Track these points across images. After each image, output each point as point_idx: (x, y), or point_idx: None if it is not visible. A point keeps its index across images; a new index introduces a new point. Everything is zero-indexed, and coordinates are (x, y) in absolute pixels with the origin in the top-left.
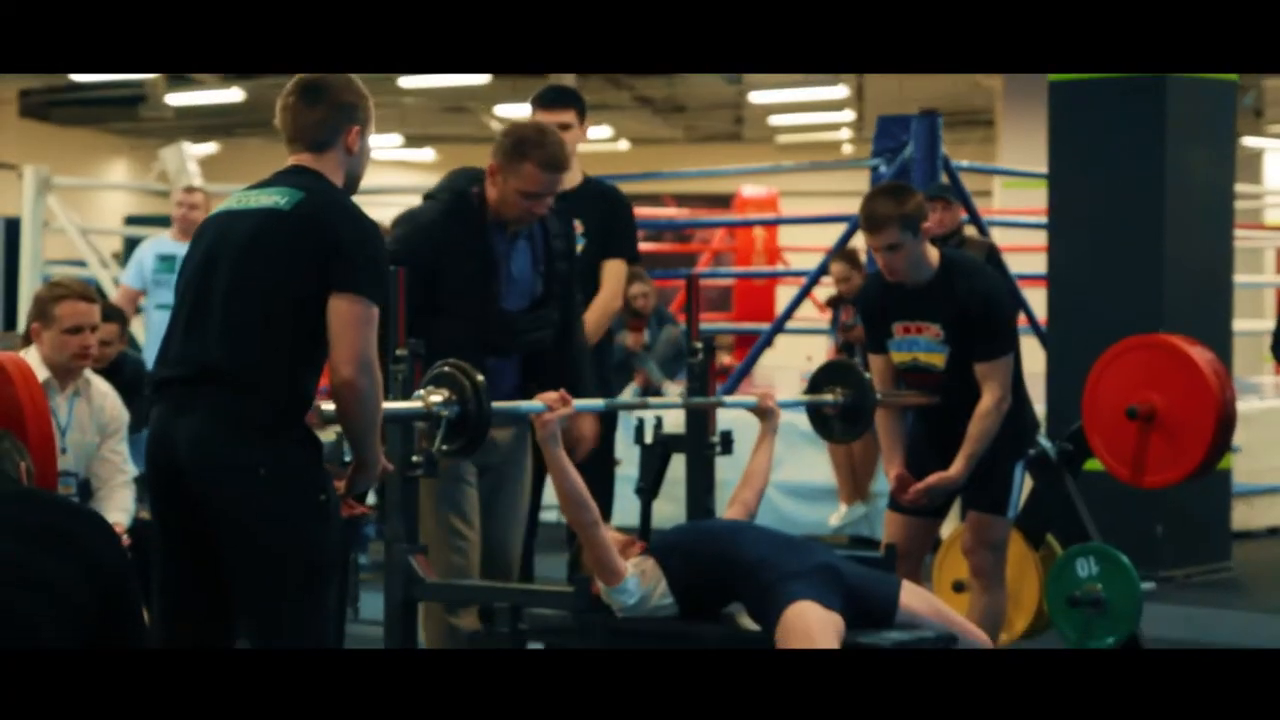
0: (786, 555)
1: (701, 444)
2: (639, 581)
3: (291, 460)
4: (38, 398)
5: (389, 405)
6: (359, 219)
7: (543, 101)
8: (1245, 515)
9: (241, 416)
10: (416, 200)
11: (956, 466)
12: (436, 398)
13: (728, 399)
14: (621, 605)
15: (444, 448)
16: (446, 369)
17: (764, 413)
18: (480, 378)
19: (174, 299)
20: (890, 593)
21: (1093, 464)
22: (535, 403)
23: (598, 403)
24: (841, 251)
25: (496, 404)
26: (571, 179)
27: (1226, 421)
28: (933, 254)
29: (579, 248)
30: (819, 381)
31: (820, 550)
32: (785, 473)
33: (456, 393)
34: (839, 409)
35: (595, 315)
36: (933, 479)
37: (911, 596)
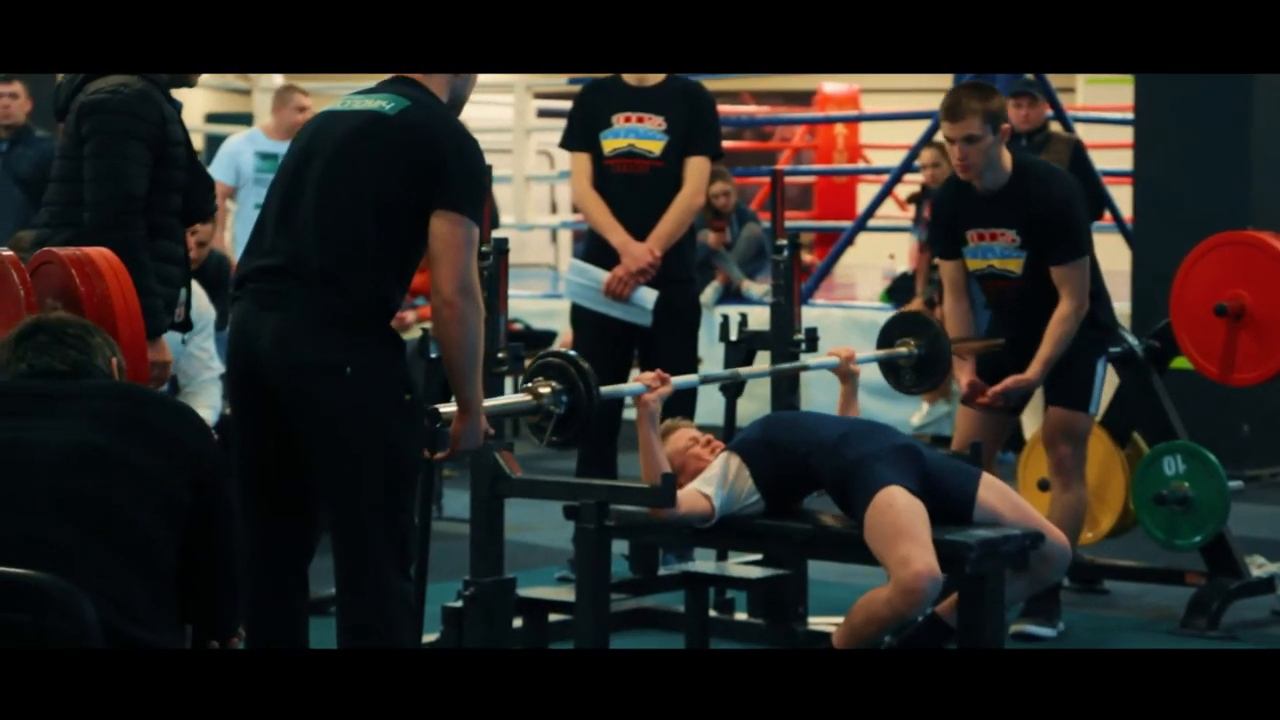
0: (868, 435)
1: (786, 341)
2: (726, 495)
3: (376, 358)
4: (128, 293)
5: (498, 401)
6: (463, 136)
7: None
8: None
9: (326, 313)
10: (494, 95)
11: (1033, 369)
12: (545, 390)
13: (811, 362)
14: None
15: (554, 439)
16: (554, 359)
17: (845, 375)
18: (587, 366)
19: (266, 195)
20: (970, 486)
21: (1179, 362)
22: (635, 384)
23: (693, 379)
24: (931, 140)
25: (602, 388)
26: (655, 75)
27: None
28: (1007, 159)
29: (661, 145)
30: (891, 333)
31: (900, 433)
32: (867, 371)
33: (565, 384)
34: (913, 360)
35: (677, 212)
36: (1009, 382)
37: (990, 492)
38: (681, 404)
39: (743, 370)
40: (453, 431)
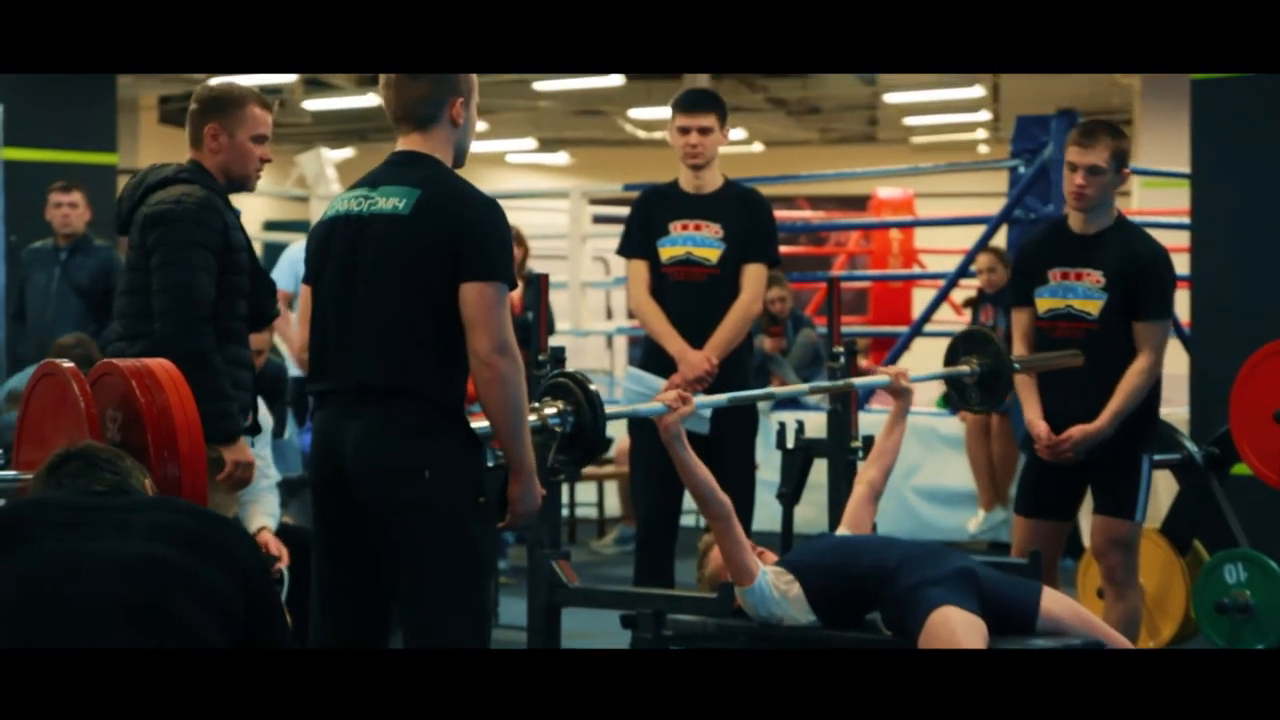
0: (925, 561)
1: (843, 448)
2: (771, 584)
3: (453, 460)
4: (188, 405)
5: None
6: (478, 204)
7: (683, 105)
8: None
9: (403, 420)
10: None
11: (1103, 419)
12: (550, 410)
13: (858, 381)
14: (755, 609)
15: (560, 459)
16: (561, 379)
17: (897, 391)
18: (594, 387)
19: (314, 309)
20: (1031, 599)
21: (1239, 468)
22: (655, 404)
23: (720, 399)
24: (987, 245)
25: (611, 408)
26: (712, 182)
27: None
28: (1115, 209)
29: (718, 252)
30: (955, 351)
31: (958, 556)
32: (923, 477)
33: (571, 404)
34: (977, 378)
35: (734, 320)
36: (1076, 431)
37: (1054, 603)
38: (740, 511)
39: (776, 390)
40: (510, 496)
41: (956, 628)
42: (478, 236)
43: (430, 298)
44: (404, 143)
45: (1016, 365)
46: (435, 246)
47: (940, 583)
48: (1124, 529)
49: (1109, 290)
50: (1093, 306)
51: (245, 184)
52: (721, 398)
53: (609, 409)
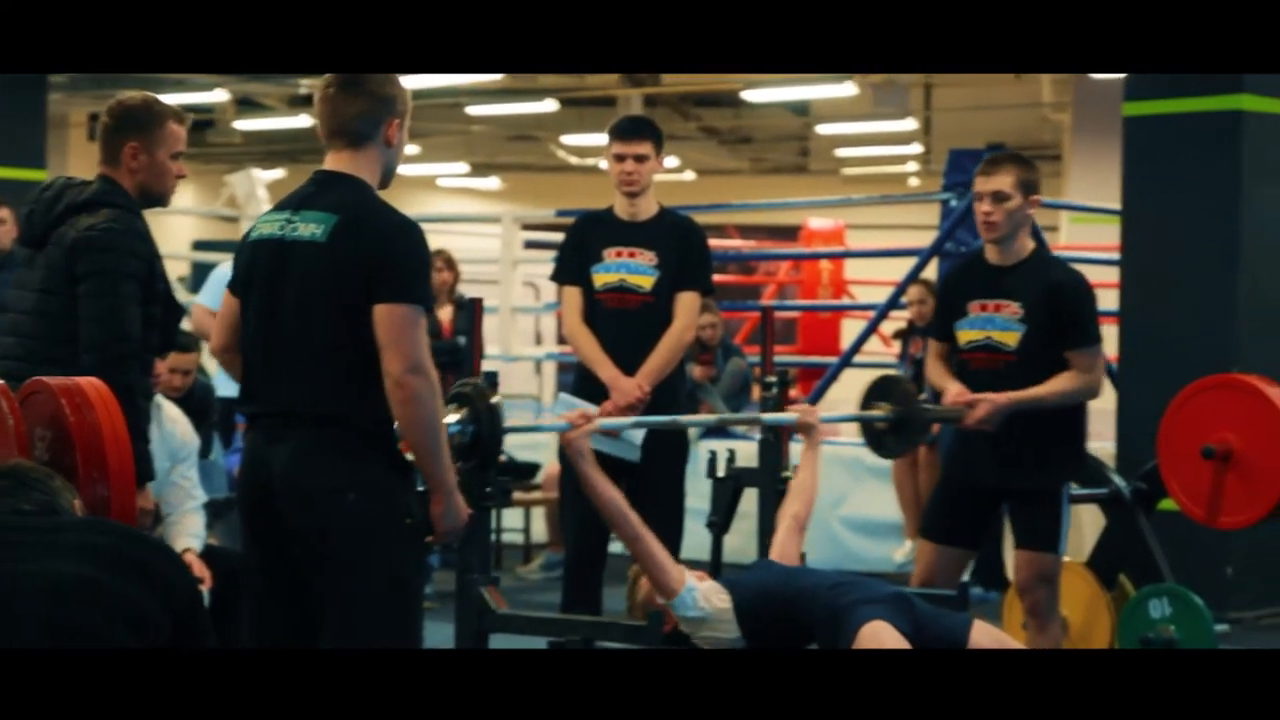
0: (861, 585)
1: (774, 478)
2: (698, 594)
3: (378, 484)
4: (118, 423)
5: None
6: (391, 226)
7: (619, 132)
8: None
9: (328, 445)
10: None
11: (1023, 394)
12: (452, 418)
13: (767, 416)
14: (680, 615)
15: (456, 464)
16: (464, 389)
17: (805, 428)
18: (495, 400)
19: (242, 332)
20: (960, 631)
21: (1166, 504)
22: (558, 421)
23: (625, 420)
24: (917, 277)
25: (512, 424)
26: (648, 209)
27: None
28: (1029, 240)
29: (652, 280)
30: (869, 397)
31: (892, 586)
32: (850, 507)
33: (471, 413)
34: (889, 424)
35: (667, 348)
36: (1000, 398)
37: (983, 635)
38: (667, 538)
39: (683, 419)
40: (433, 515)
41: (886, 642)
42: (390, 259)
43: (351, 324)
44: (332, 159)
45: (928, 412)
46: (352, 272)
47: (874, 602)
48: (1048, 562)
49: (1027, 321)
50: (1010, 338)
51: (162, 201)
52: (626, 420)
53: (508, 422)
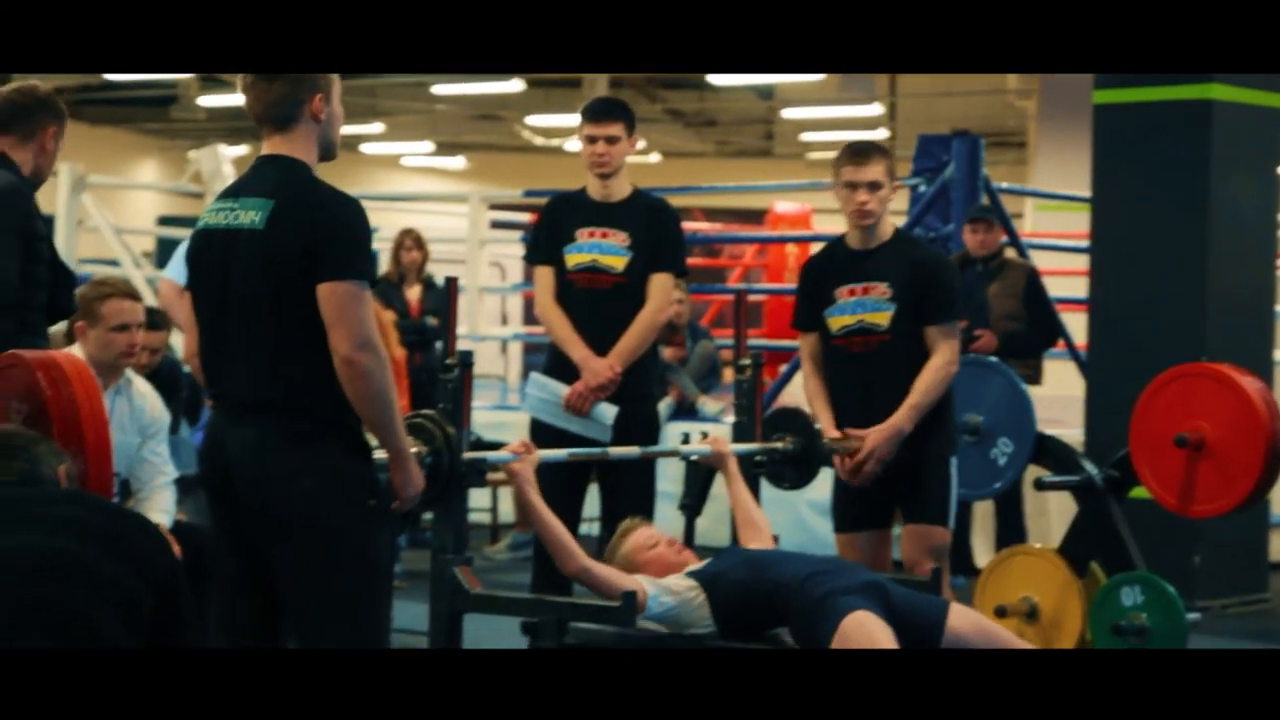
0: (834, 573)
1: (747, 461)
2: (659, 595)
3: (335, 467)
4: (94, 398)
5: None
6: (328, 204)
7: (591, 114)
8: None
9: (282, 431)
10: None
11: (901, 415)
12: (412, 450)
13: (683, 448)
14: (658, 620)
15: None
16: (420, 419)
17: (719, 458)
18: (452, 430)
19: (197, 321)
20: (937, 615)
21: (1138, 491)
22: (504, 453)
23: (560, 453)
24: None
25: (467, 455)
26: (620, 190)
27: (1277, 452)
28: (890, 225)
29: (625, 260)
30: (768, 428)
31: (865, 570)
32: (816, 490)
33: (429, 444)
34: (786, 456)
35: (639, 328)
36: (871, 438)
37: (959, 619)
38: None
39: (612, 450)
40: (393, 484)
41: (873, 630)
42: (330, 237)
43: (297, 309)
44: (267, 144)
45: (826, 445)
46: (292, 256)
47: (850, 591)
48: (938, 535)
49: (896, 300)
50: (883, 318)
51: (40, 183)
52: (561, 453)
53: (466, 455)
